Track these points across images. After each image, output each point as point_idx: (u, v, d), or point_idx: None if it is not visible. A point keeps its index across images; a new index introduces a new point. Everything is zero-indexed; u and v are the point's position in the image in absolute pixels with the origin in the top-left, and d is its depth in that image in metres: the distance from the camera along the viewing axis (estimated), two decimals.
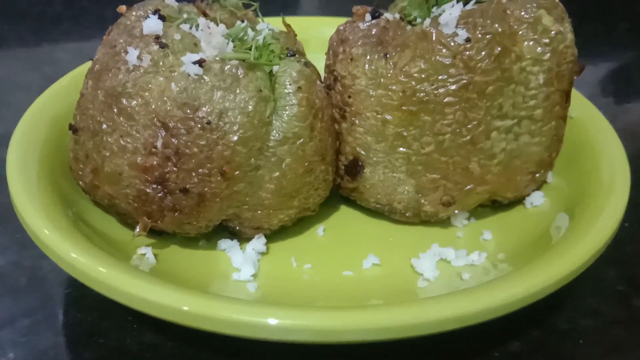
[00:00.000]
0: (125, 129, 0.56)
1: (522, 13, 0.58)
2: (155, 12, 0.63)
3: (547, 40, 0.59)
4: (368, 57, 0.60)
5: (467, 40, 0.56)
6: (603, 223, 0.58)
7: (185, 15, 0.67)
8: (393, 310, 0.49)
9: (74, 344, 0.58)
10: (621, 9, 1.41)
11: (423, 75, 0.57)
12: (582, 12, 1.39)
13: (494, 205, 0.69)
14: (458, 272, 0.60)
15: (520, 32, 0.58)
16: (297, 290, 0.59)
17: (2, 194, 0.58)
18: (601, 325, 0.61)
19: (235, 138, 0.54)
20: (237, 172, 0.56)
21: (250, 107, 0.55)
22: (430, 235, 0.66)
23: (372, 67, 0.60)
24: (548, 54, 0.59)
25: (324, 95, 0.61)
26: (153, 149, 0.55)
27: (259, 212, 0.60)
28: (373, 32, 0.61)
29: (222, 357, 0.56)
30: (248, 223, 0.61)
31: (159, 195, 0.56)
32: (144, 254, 0.59)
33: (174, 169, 0.55)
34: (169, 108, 0.55)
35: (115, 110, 0.56)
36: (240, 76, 0.56)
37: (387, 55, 0.59)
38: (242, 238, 0.63)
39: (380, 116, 0.60)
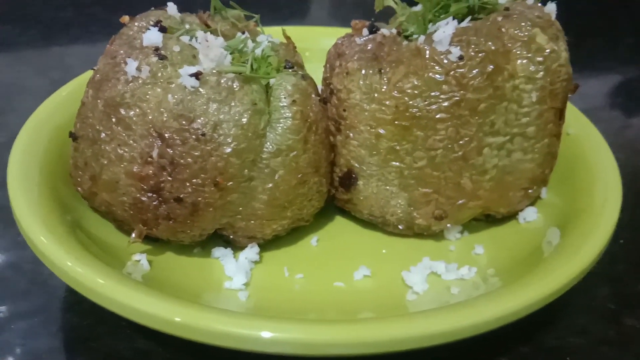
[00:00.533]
0: (123, 139, 0.57)
1: (517, 31, 0.59)
2: (157, 23, 0.64)
3: (540, 59, 0.59)
4: (363, 72, 0.61)
5: (460, 57, 0.57)
6: (592, 241, 0.58)
7: (187, 26, 0.68)
8: (379, 324, 0.49)
9: (69, 348, 0.59)
10: (627, 24, 1.41)
11: (416, 92, 0.58)
12: (587, 26, 1.40)
13: (488, 220, 0.69)
14: (447, 286, 0.61)
15: (514, 50, 0.59)
16: (287, 300, 0.59)
17: (5, 198, 0.59)
18: (590, 344, 0.61)
19: (229, 150, 0.56)
20: (230, 183, 0.57)
21: (244, 119, 0.56)
22: (423, 248, 0.67)
23: (367, 82, 0.61)
24: (541, 72, 0.59)
25: (318, 108, 0.62)
26: (149, 159, 0.57)
27: (252, 222, 0.61)
28: (369, 48, 0.62)
29: None
30: (241, 232, 0.62)
31: (154, 203, 0.58)
32: (139, 261, 0.61)
33: (169, 178, 0.56)
34: (165, 119, 0.56)
35: (113, 119, 0.58)
36: (236, 89, 0.57)
37: (382, 71, 0.60)
38: (236, 247, 0.65)
39: (373, 130, 0.61)
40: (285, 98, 0.59)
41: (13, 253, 0.69)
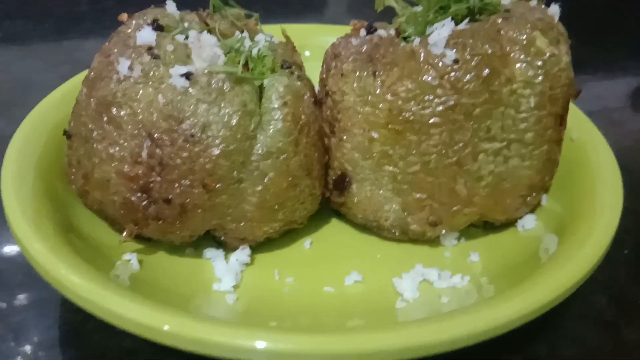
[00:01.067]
0: (114, 138, 0.57)
1: (516, 34, 0.57)
2: (153, 21, 0.64)
3: (540, 63, 0.57)
4: (357, 74, 0.60)
5: (455, 61, 0.55)
6: (588, 250, 0.56)
7: (186, 24, 0.68)
8: (362, 336, 0.48)
9: (61, 342, 0.59)
10: None
11: (410, 95, 0.57)
12: (604, 24, 1.36)
13: (486, 226, 0.68)
14: (439, 295, 0.60)
15: (512, 54, 0.57)
16: (275, 304, 0.59)
17: None
18: (585, 355, 0.59)
19: (217, 151, 0.55)
20: (218, 185, 0.56)
21: (233, 121, 0.55)
22: (417, 254, 0.66)
23: (361, 84, 0.60)
24: (540, 77, 0.57)
25: (311, 110, 0.61)
26: (139, 159, 0.56)
27: (243, 224, 0.61)
28: (364, 49, 0.60)
29: None
30: (232, 234, 0.62)
31: (144, 203, 0.57)
32: (129, 260, 0.61)
33: (158, 179, 0.56)
34: (155, 119, 0.56)
35: (105, 118, 0.58)
36: (226, 90, 0.56)
37: (376, 73, 0.59)
38: (228, 248, 0.64)
39: (367, 133, 0.60)
40: (276, 99, 0.58)
41: (8, 247, 0.69)
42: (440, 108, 0.56)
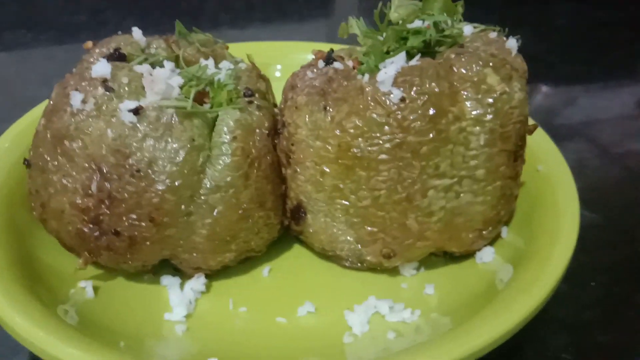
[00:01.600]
0: (67, 170, 0.58)
1: (466, 71, 0.57)
2: (115, 50, 0.65)
3: (490, 101, 0.57)
4: (309, 108, 0.60)
5: (402, 99, 0.55)
6: (535, 287, 0.56)
7: (153, 50, 0.69)
8: None
9: None
10: None
11: (358, 132, 0.57)
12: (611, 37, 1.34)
13: (446, 256, 0.67)
14: (387, 330, 0.59)
15: (462, 92, 0.57)
16: (225, 336, 0.60)
17: None
18: None
19: (163, 187, 0.56)
20: (166, 219, 0.57)
21: (180, 157, 0.56)
22: (374, 284, 0.66)
23: (313, 118, 0.60)
24: (490, 115, 0.57)
25: (263, 143, 0.61)
26: (89, 191, 0.57)
27: (195, 255, 0.61)
28: (317, 83, 0.60)
29: None
30: (186, 264, 0.63)
31: (95, 234, 0.59)
32: (84, 288, 0.62)
33: (107, 211, 0.57)
34: (104, 153, 0.57)
35: (59, 150, 0.59)
36: (174, 125, 0.57)
37: (327, 108, 0.59)
38: (184, 275, 0.65)
39: (318, 167, 0.60)
40: (226, 134, 0.58)
41: None
42: (387, 145, 0.56)
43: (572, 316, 0.67)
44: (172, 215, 0.57)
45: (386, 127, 0.56)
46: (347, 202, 0.60)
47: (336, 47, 0.73)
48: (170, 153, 0.56)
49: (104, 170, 0.57)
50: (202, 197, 0.58)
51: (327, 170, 0.59)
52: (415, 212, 0.59)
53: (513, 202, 0.65)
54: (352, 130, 0.57)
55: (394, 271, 0.67)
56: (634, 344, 0.64)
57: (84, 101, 0.58)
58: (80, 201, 0.58)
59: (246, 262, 0.68)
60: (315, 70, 0.63)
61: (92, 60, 0.65)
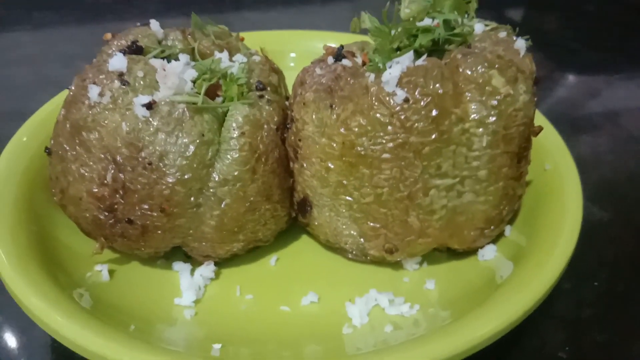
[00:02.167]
0: (84, 160, 0.61)
1: (472, 73, 0.57)
2: (132, 43, 0.67)
3: (494, 103, 0.57)
4: (316, 105, 0.61)
5: (406, 100, 0.56)
6: (531, 289, 0.57)
7: (170, 42, 0.71)
8: None
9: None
10: None
11: (362, 130, 0.58)
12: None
13: (449, 251, 0.69)
14: (386, 322, 0.61)
15: (466, 93, 0.57)
16: (230, 322, 0.62)
17: None
18: None
19: (173, 179, 0.58)
20: (176, 209, 0.60)
21: (189, 151, 0.58)
22: (376, 277, 0.67)
23: (319, 116, 0.61)
24: (493, 117, 0.57)
25: (271, 139, 0.63)
26: (105, 181, 0.60)
27: (204, 243, 0.64)
28: (324, 80, 0.62)
29: None
30: (196, 252, 0.66)
31: (110, 222, 0.62)
32: (100, 271, 0.65)
33: (121, 201, 0.60)
34: (118, 145, 0.59)
35: (77, 141, 0.62)
36: (185, 120, 0.59)
37: (333, 106, 0.60)
38: (195, 262, 0.68)
39: (324, 163, 0.62)
40: (234, 130, 0.60)
41: None
42: (390, 145, 0.57)
43: (572, 313, 0.68)
44: (182, 206, 0.60)
45: (389, 127, 0.57)
46: (350, 198, 0.62)
47: (355, 37, 0.74)
48: (180, 147, 0.58)
49: (119, 162, 0.59)
50: (211, 190, 0.60)
51: (332, 166, 0.61)
52: (416, 210, 0.60)
53: (516, 202, 0.66)
54: (356, 129, 0.58)
55: (397, 265, 0.69)
56: (630, 344, 0.65)
57: (101, 94, 0.61)
58: (96, 190, 0.61)
59: (254, 251, 0.70)
60: (324, 66, 0.64)
61: (110, 52, 0.67)
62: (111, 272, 0.66)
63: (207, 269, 0.67)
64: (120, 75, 0.62)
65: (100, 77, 0.62)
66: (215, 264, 0.68)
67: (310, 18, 1.47)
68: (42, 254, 0.62)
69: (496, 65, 0.58)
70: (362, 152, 0.59)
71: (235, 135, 0.60)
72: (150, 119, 0.59)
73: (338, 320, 0.62)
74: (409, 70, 0.57)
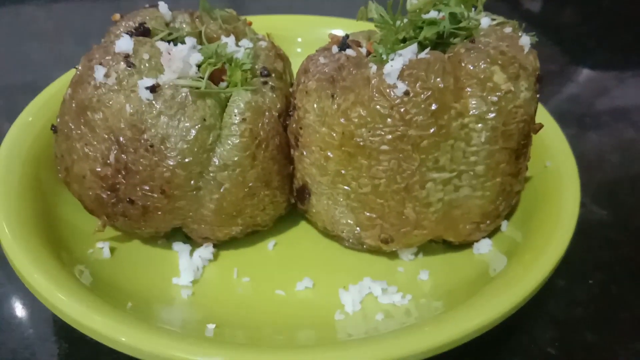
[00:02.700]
0: (89, 139, 0.62)
1: (474, 68, 0.57)
2: (140, 25, 0.68)
3: (494, 99, 0.57)
4: (318, 94, 0.62)
5: (406, 93, 0.56)
6: (520, 284, 0.57)
7: (177, 24, 0.71)
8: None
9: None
10: None
11: (362, 121, 0.58)
12: None
13: (445, 243, 0.70)
14: (377, 311, 0.62)
15: (467, 88, 0.57)
16: (225, 303, 0.64)
17: None
18: None
19: (174, 162, 0.59)
20: (176, 192, 0.61)
21: (191, 135, 0.59)
22: (371, 266, 0.68)
23: (320, 105, 0.61)
24: (493, 114, 0.57)
25: (272, 125, 0.63)
26: (108, 161, 0.61)
27: (203, 226, 0.65)
28: (327, 70, 0.62)
29: None
30: (196, 233, 0.67)
31: (112, 201, 0.63)
32: (102, 248, 0.67)
33: (123, 181, 0.61)
34: (122, 126, 0.60)
35: (82, 120, 0.63)
36: (188, 104, 0.60)
37: (334, 96, 0.60)
38: (194, 243, 0.69)
39: (323, 152, 0.62)
40: (236, 116, 0.61)
41: None
42: (389, 137, 0.58)
43: (563, 312, 0.69)
44: (182, 188, 0.61)
45: (389, 119, 0.57)
46: (348, 188, 0.63)
47: (364, 25, 0.74)
48: (182, 131, 0.59)
49: (122, 143, 0.60)
50: (211, 174, 0.61)
51: (331, 155, 0.62)
52: (413, 202, 0.61)
53: (514, 198, 0.66)
54: (356, 120, 0.59)
55: (393, 254, 0.70)
56: (619, 344, 0.65)
57: (106, 75, 0.62)
58: (99, 169, 0.62)
59: (253, 235, 0.71)
60: (328, 55, 0.64)
61: (118, 32, 0.68)
62: (112, 250, 0.68)
63: (205, 251, 0.68)
64: (126, 57, 0.63)
65: (107, 58, 0.63)
66: (214, 246, 0.69)
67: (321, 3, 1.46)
68: (45, 230, 0.63)
69: (499, 62, 0.58)
70: (361, 143, 0.59)
71: (236, 121, 0.61)
72: (154, 102, 0.59)
73: (331, 307, 0.64)
74: (411, 63, 0.58)
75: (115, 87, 0.61)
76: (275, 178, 0.66)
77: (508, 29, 0.62)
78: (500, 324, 0.56)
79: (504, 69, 0.57)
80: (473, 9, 0.67)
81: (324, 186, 0.65)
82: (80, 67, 0.66)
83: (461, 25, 0.63)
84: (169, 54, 0.62)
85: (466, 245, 0.69)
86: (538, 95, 0.62)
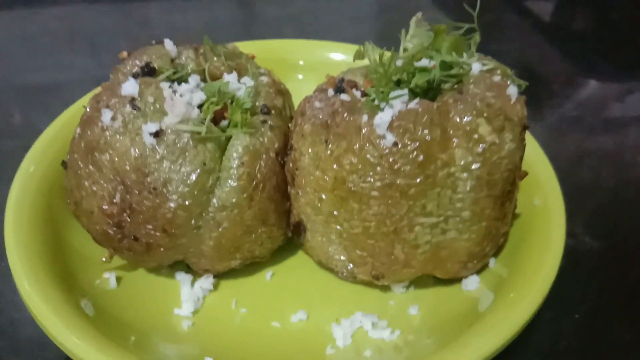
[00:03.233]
0: (96, 178, 0.66)
1: (460, 120, 0.60)
2: (147, 65, 0.71)
3: (479, 150, 0.60)
4: (313, 139, 0.65)
5: (395, 144, 0.59)
6: (503, 327, 0.60)
7: (183, 60, 0.75)
8: None
9: None
10: None
11: (353, 168, 0.61)
12: None
13: (435, 278, 0.72)
14: (366, 346, 0.66)
15: (453, 139, 0.60)
16: (224, 334, 0.67)
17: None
18: None
19: (175, 205, 0.63)
20: (177, 231, 0.64)
21: (191, 179, 0.63)
22: (364, 298, 0.72)
23: (315, 149, 0.64)
24: (478, 164, 0.60)
25: (269, 167, 0.66)
26: (114, 200, 0.65)
27: (203, 260, 0.69)
28: (321, 116, 0.65)
29: None
30: (196, 266, 0.71)
31: (118, 237, 0.67)
32: (108, 278, 0.71)
33: (128, 219, 0.65)
34: (127, 169, 0.64)
35: (90, 159, 0.66)
36: (189, 149, 0.63)
37: (327, 142, 0.63)
38: (195, 273, 0.73)
39: (317, 194, 0.65)
40: (234, 159, 0.64)
41: None
42: (378, 184, 0.61)
43: (548, 344, 0.71)
44: (183, 228, 0.65)
45: (378, 168, 0.60)
46: (340, 228, 0.66)
47: None
48: (183, 175, 0.63)
49: (127, 184, 0.64)
50: (210, 214, 0.65)
51: (324, 197, 0.65)
52: (402, 244, 0.64)
53: (500, 238, 0.69)
54: (347, 167, 0.62)
55: (385, 287, 0.73)
56: None
57: (113, 118, 0.65)
58: (106, 207, 0.66)
59: (252, 265, 0.75)
60: (323, 99, 0.67)
61: (125, 71, 0.72)
62: (118, 279, 0.72)
63: (206, 281, 0.72)
64: (132, 100, 0.66)
65: (113, 100, 0.67)
66: (215, 276, 0.73)
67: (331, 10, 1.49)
68: (54, 260, 0.67)
69: (484, 114, 0.60)
70: (352, 188, 0.62)
71: (234, 165, 0.64)
72: (157, 147, 0.63)
73: (323, 340, 0.67)
74: (400, 114, 0.60)
75: (121, 130, 0.65)
76: (272, 216, 0.69)
77: (497, 77, 0.64)
78: None
79: (489, 122, 0.60)
80: (468, 50, 0.69)
81: (318, 224, 0.68)
82: (88, 109, 0.70)
83: (451, 72, 0.65)
84: (172, 99, 0.65)
85: (455, 280, 0.72)
86: (525, 143, 0.64)
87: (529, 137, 0.79)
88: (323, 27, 1.42)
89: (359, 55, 0.73)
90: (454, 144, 0.60)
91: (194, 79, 0.72)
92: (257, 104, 0.72)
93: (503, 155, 0.61)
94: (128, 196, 0.64)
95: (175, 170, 0.63)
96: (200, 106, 0.68)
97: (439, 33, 0.66)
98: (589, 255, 0.83)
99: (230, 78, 0.74)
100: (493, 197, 0.62)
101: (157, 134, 0.63)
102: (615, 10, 1.56)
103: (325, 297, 0.72)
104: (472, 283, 0.70)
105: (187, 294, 0.71)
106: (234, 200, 0.65)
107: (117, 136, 0.65)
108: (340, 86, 0.68)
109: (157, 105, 0.66)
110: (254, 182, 0.65)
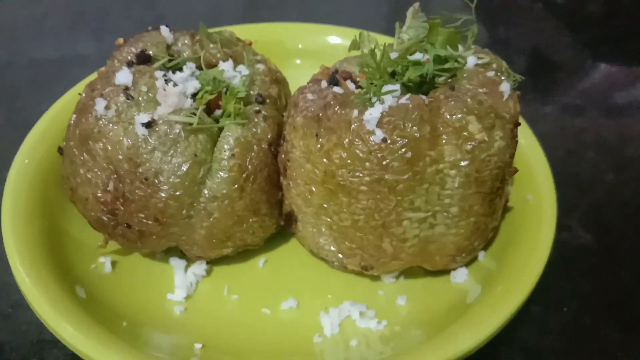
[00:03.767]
0: (90, 166, 0.67)
1: (450, 117, 0.60)
2: (142, 52, 0.71)
3: (468, 147, 0.60)
4: (304, 132, 0.65)
5: (384, 140, 0.59)
6: (489, 320, 0.61)
7: (180, 46, 0.75)
8: None
9: None
10: None
11: (342, 162, 0.62)
12: None
13: (424, 269, 0.73)
14: (353, 336, 0.67)
15: (443, 136, 0.60)
16: (214, 320, 0.69)
17: None
18: None
19: (166, 195, 0.64)
20: (169, 220, 0.66)
21: (182, 170, 0.63)
22: (354, 287, 0.72)
23: (306, 142, 0.65)
24: (467, 161, 0.60)
25: (261, 159, 0.67)
26: (107, 188, 0.66)
27: (196, 248, 0.70)
28: (313, 109, 0.65)
29: None
30: (189, 253, 0.72)
31: (112, 224, 0.68)
32: (103, 263, 0.73)
33: (121, 207, 0.66)
34: (120, 158, 0.65)
35: (84, 148, 0.67)
36: (180, 140, 0.64)
37: (318, 135, 0.63)
38: (189, 259, 0.74)
39: (307, 186, 0.66)
40: (226, 151, 0.65)
41: None
42: (367, 179, 0.61)
43: (534, 340, 0.72)
44: (174, 217, 0.66)
45: (367, 163, 0.60)
46: (330, 220, 0.66)
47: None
48: (174, 166, 0.63)
49: (120, 173, 0.65)
50: (202, 204, 0.66)
51: (315, 190, 0.65)
52: (390, 237, 0.65)
53: (489, 233, 0.69)
54: (337, 161, 0.62)
55: (376, 276, 0.74)
56: None
57: (107, 107, 0.66)
58: (100, 195, 0.67)
59: (246, 252, 0.76)
60: (316, 91, 0.67)
61: (121, 57, 0.72)
62: (113, 264, 0.73)
63: (199, 267, 0.73)
64: (126, 89, 0.67)
65: (108, 89, 0.67)
66: (208, 262, 0.74)
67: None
68: (49, 246, 0.69)
69: (475, 112, 0.60)
70: (342, 182, 0.62)
71: (225, 156, 0.65)
72: (149, 138, 0.63)
73: (311, 329, 0.68)
74: (390, 110, 0.60)
75: (115, 119, 0.66)
76: (264, 206, 0.70)
77: (491, 73, 0.64)
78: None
79: (479, 119, 0.60)
80: (465, 43, 0.68)
81: (309, 216, 0.68)
82: (83, 95, 0.70)
83: (445, 66, 0.65)
84: (165, 90, 0.65)
85: (445, 271, 0.73)
86: (517, 139, 0.64)
87: (526, 132, 0.79)
88: (331, 11, 1.40)
89: (354, 46, 0.72)
90: (444, 141, 0.60)
91: (188, 67, 0.72)
92: (251, 92, 0.73)
93: (492, 153, 0.61)
94: (121, 185, 0.65)
95: (167, 161, 0.63)
96: (195, 95, 0.69)
97: (434, 27, 0.66)
98: (582, 251, 0.83)
99: (225, 66, 0.74)
100: (482, 194, 0.63)
101: (149, 125, 0.64)
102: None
103: (316, 285, 0.74)
104: (460, 275, 0.71)
105: (181, 280, 0.72)
106: (224, 192, 0.65)
107: (111, 125, 0.66)
108: (333, 78, 0.68)
109: (151, 95, 0.67)
110: (245, 174, 0.66)
